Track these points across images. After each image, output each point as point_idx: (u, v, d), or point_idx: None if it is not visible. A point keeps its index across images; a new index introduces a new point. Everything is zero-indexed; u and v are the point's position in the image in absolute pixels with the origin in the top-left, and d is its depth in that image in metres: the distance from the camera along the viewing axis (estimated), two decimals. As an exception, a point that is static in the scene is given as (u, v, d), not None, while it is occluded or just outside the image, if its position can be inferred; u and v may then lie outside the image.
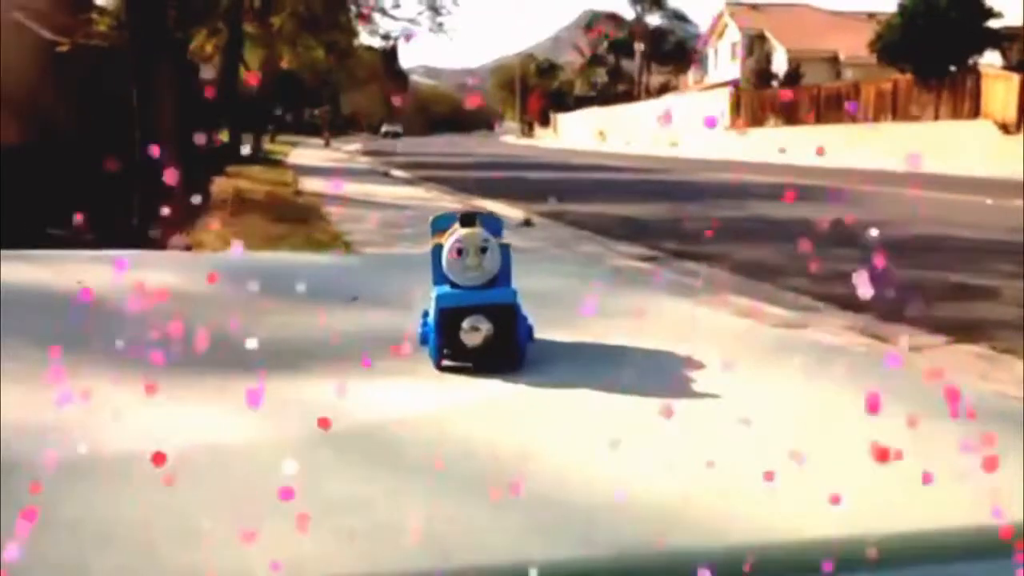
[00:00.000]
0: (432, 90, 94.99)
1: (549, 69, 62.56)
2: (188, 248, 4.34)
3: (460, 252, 1.06)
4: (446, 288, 1.08)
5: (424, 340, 1.08)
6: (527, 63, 66.04)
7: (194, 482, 0.67)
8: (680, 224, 5.55)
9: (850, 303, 2.89)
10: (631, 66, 50.99)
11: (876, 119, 22.80)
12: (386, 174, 11.57)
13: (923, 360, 2.14)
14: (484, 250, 1.07)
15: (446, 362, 1.07)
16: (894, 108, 22.93)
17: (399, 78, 57.92)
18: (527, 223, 5.33)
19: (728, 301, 2.36)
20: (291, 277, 1.49)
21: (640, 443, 0.77)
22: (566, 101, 52.09)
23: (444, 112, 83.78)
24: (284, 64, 21.27)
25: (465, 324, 1.03)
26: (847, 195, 8.73)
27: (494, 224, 1.16)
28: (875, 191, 9.29)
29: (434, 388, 1.01)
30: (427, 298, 1.12)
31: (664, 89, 45.31)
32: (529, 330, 1.08)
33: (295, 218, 5.66)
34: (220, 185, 8.48)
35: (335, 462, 0.78)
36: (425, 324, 1.11)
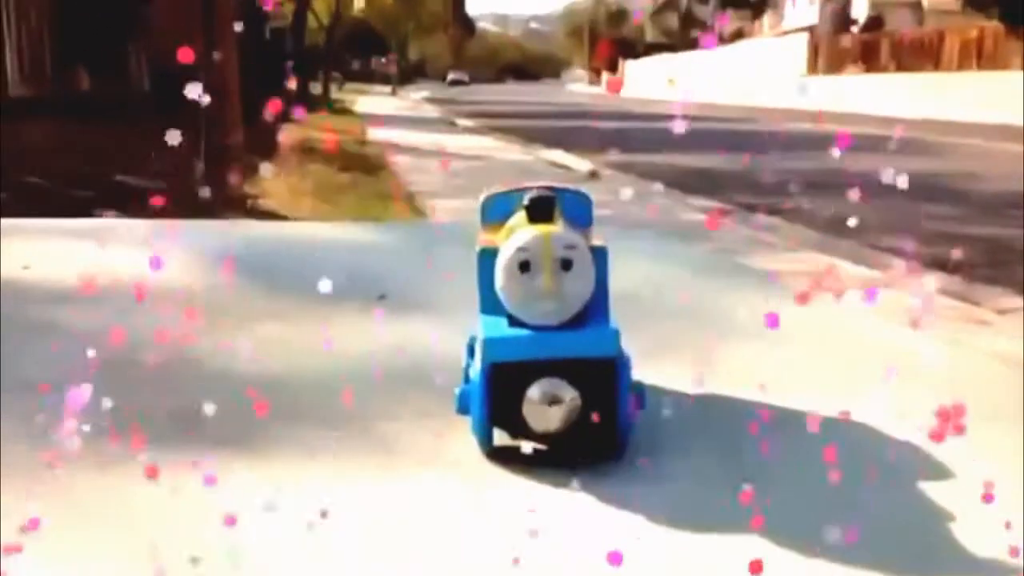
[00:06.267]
0: (499, 37, 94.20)
1: (619, 15, 61.44)
2: (252, 198, 4.34)
3: (525, 267, 0.61)
4: (501, 325, 0.63)
5: (464, 406, 0.64)
6: (596, 8, 64.89)
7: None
8: (754, 176, 5.37)
9: (936, 262, 2.75)
10: (704, 11, 49.77)
11: (960, 67, 21.91)
12: (452, 123, 11.49)
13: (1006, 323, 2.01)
14: (567, 264, 0.61)
15: (501, 438, 0.64)
16: (979, 56, 21.99)
17: (466, 25, 57.49)
18: (593, 175, 5.22)
19: (814, 259, 2.25)
20: (303, 262, 1.14)
21: None
22: (636, 48, 51.16)
23: (512, 59, 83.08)
24: (353, 11, 21.23)
25: (534, 392, 0.59)
26: (930, 146, 8.40)
27: (580, 210, 0.70)
28: (959, 143, 8.92)
29: (469, 506, 0.56)
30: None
31: (738, 35, 44.16)
32: (639, 394, 0.63)
33: (361, 168, 5.63)
34: (288, 133, 8.50)
35: None
36: (467, 378, 0.67)
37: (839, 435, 0.61)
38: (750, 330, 0.89)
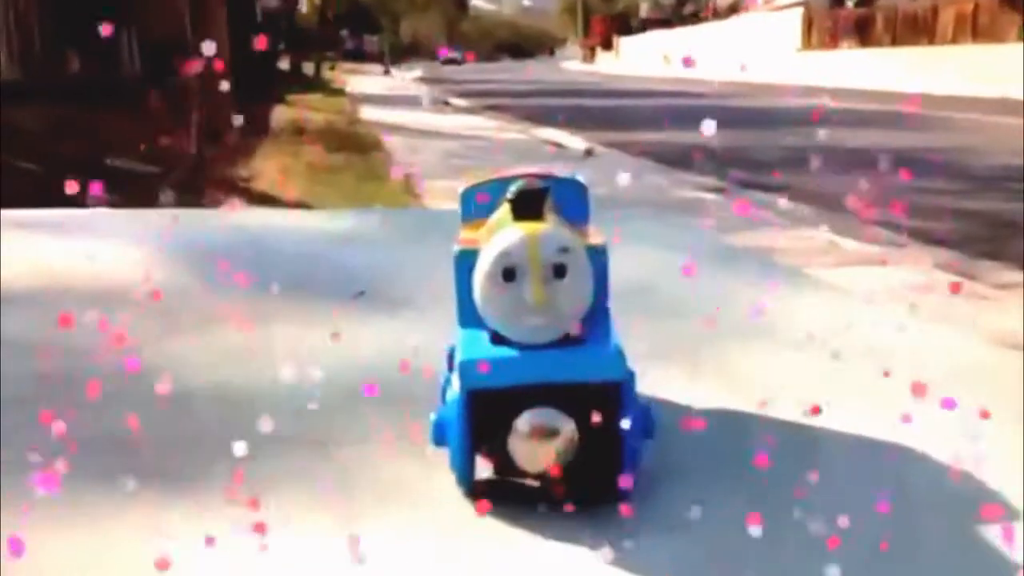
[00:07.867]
0: (493, 15, 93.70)
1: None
2: (244, 180, 4.31)
3: (510, 275, 0.51)
4: (483, 342, 0.53)
5: (440, 436, 0.54)
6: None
7: None
8: (748, 152, 5.34)
9: (933, 238, 2.73)
10: (698, -13, 49.42)
11: (955, 40, 21.82)
12: (446, 103, 11.43)
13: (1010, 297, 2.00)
14: (560, 271, 0.51)
15: (486, 472, 0.55)
16: (974, 29, 21.88)
17: (459, 2, 57.13)
18: (588, 153, 5.19)
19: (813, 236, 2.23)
20: (275, 254, 1.07)
21: None
22: (631, 24, 50.89)
23: (506, 37, 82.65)
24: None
25: (522, 424, 0.50)
26: (926, 121, 8.37)
27: (574, 200, 0.60)
28: (956, 117, 8.88)
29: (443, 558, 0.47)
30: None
31: (733, 10, 43.87)
32: (647, 423, 0.53)
33: (355, 148, 5.59)
34: (280, 114, 8.45)
35: None
36: (444, 402, 0.56)
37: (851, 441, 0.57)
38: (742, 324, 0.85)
